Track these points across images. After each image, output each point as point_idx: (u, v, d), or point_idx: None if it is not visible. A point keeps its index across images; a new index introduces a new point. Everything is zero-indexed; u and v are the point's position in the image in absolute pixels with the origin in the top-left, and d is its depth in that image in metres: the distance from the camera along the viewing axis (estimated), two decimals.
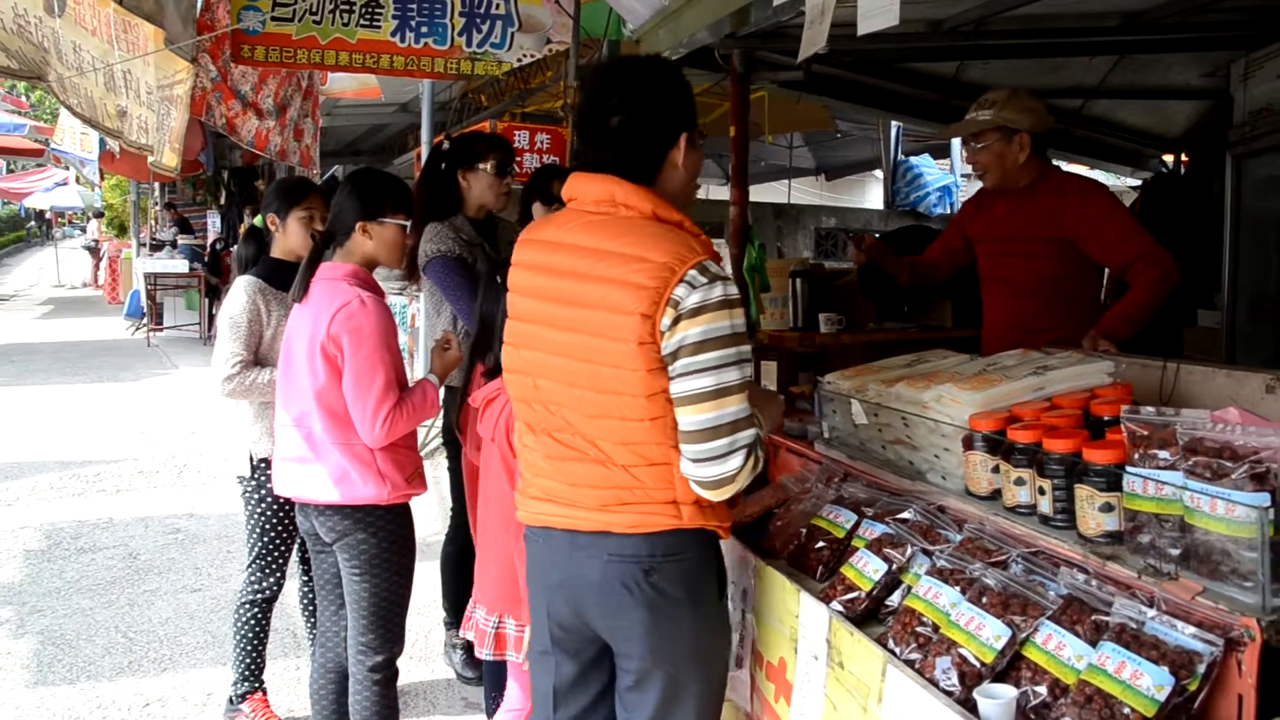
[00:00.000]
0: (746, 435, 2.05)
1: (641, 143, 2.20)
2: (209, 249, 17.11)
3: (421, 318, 5.10)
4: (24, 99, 28.23)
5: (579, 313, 2.13)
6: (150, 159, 6.34)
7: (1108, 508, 1.96)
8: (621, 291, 2.05)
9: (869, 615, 2.30)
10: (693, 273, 2.03)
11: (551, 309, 2.20)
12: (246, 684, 3.84)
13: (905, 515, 2.46)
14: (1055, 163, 3.94)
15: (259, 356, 3.68)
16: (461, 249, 4.02)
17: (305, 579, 4.01)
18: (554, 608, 2.28)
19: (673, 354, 2.04)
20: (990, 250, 3.84)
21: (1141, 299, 3.42)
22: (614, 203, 2.17)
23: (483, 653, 2.94)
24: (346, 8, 5.86)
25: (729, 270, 2.56)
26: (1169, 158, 7.20)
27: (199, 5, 5.75)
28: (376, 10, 5.92)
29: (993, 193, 3.83)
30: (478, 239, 4.10)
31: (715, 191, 17.22)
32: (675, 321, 2.02)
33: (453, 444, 4.18)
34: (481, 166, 4.08)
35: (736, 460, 2.04)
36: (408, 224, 3.22)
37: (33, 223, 41.58)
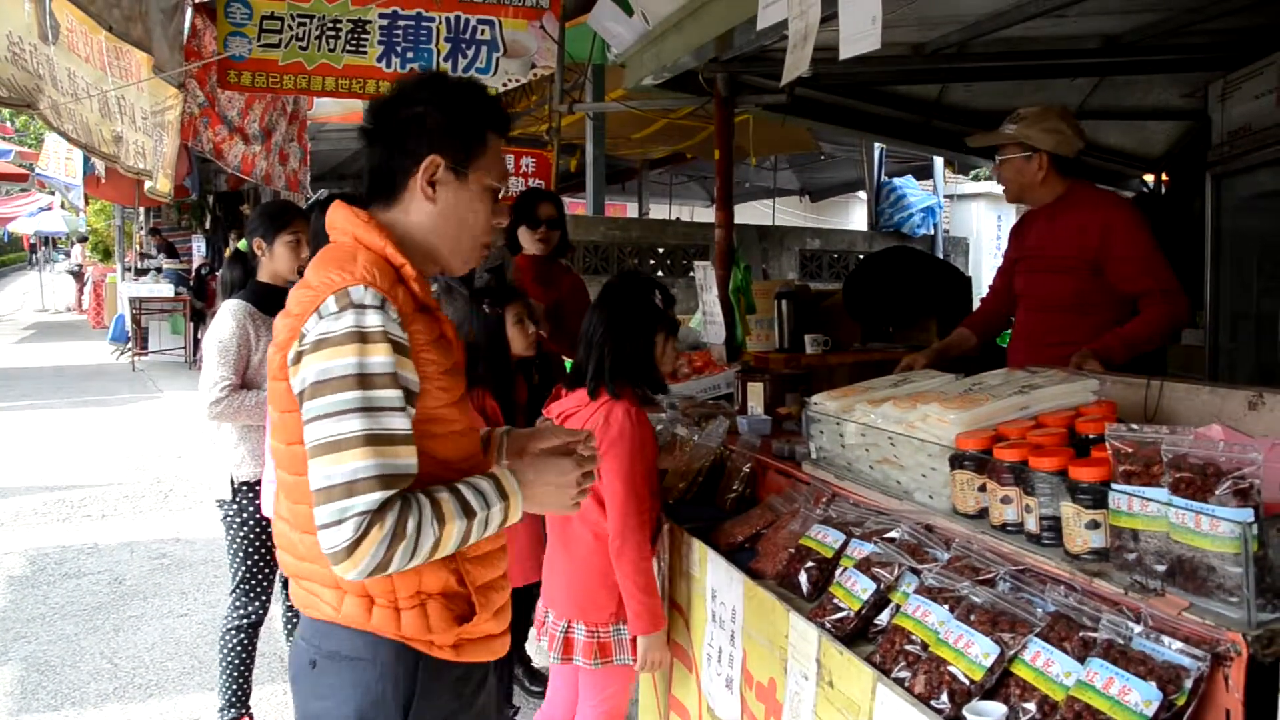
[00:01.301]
0: (364, 501, 1.65)
1: (380, 160, 1.93)
2: (194, 273, 17.09)
3: None
4: (9, 124, 28.17)
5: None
6: (147, 185, 6.35)
7: (1094, 525, 1.97)
8: (281, 322, 1.83)
9: (858, 634, 2.30)
10: (330, 299, 1.72)
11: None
12: (233, 709, 3.82)
13: (893, 534, 2.47)
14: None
15: (245, 380, 3.68)
16: None
17: (290, 602, 4.00)
18: None
19: (300, 396, 1.73)
20: (1024, 267, 3.83)
21: (1145, 330, 3.42)
22: (335, 228, 1.91)
23: (551, 656, 2.98)
24: (333, 33, 5.89)
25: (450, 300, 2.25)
26: (1150, 178, 7.28)
27: (185, 32, 5.77)
28: (362, 36, 5.95)
29: (1030, 215, 3.83)
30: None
31: (700, 214, 17.33)
32: (298, 358, 1.73)
33: None
34: None
35: (347, 531, 1.64)
36: None
37: (40, 246, 41.48)
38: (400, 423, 1.71)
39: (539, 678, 4.21)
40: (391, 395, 1.70)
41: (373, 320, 1.71)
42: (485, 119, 1.95)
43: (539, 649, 3.86)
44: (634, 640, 2.94)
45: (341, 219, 1.89)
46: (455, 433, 1.88)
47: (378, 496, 1.66)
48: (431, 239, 1.92)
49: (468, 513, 1.76)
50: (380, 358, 1.70)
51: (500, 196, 1.98)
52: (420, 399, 1.79)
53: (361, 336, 1.69)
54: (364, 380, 1.68)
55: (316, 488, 1.68)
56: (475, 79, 2.14)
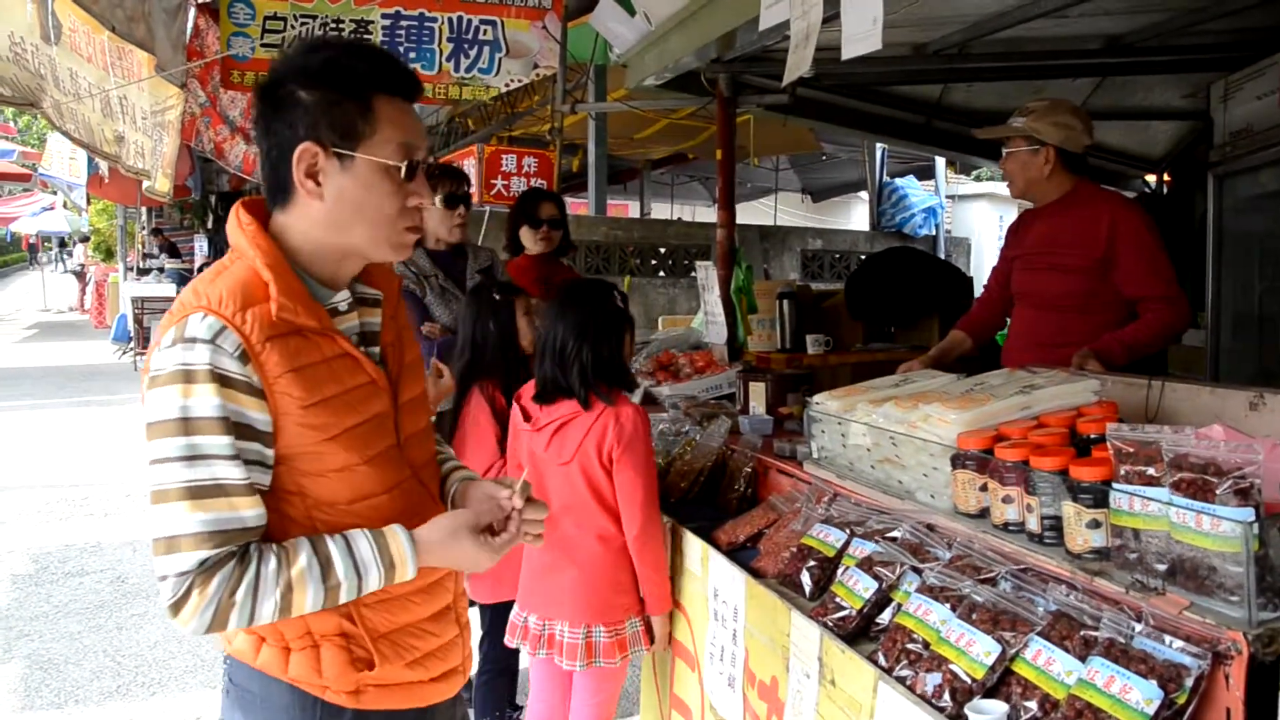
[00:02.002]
0: (184, 561, 1.50)
1: (264, 155, 1.67)
2: (196, 273, 17.10)
3: None
4: (11, 124, 28.21)
5: None
6: (145, 184, 6.37)
7: (1095, 524, 1.97)
8: None
9: (860, 633, 2.31)
10: (172, 330, 1.54)
11: None
12: None
13: (895, 533, 2.48)
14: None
15: None
16: (411, 281, 4.06)
17: None
18: None
19: None
20: (1022, 265, 3.76)
21: (1145, 334, 3.38)
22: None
23: (576, 665, 2.94)
24: (335, 34, 5.89)
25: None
26: (1152, 178, 7.29)
27: (188, 32, 5.79)
28: (365, 36, 5.96)
29: (1031, 213, 3.78)
30: (432, 271, 4.12)
31: (702, 214, 17.33)
32: (145, 394, 1.55)
33: None
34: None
35: (167, 591, 1.51)
36: None
37: (39, 247, 41.61)
38: (231, 471, 1.52)
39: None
40: (219, 441, 1.51)
41: (199, 356, 1.50)
42: (368, 82, 1.62)
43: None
44: (645, 628, 2.99)
45: (229, 226, 1.66)
46: (339, 469, 1.64)
47: (198, 556, 1.50)
48: (333, 236, 1.66)
49: (328, 579, 1.58)
50: (205, 399, 1.50)
51: (412, 169, 1.66)
52: (279, 436, 1.58)
53: (186, 375, 1.50)
54: (187, 425, 1.50)
55: (151, 538, 1.55)
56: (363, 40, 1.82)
